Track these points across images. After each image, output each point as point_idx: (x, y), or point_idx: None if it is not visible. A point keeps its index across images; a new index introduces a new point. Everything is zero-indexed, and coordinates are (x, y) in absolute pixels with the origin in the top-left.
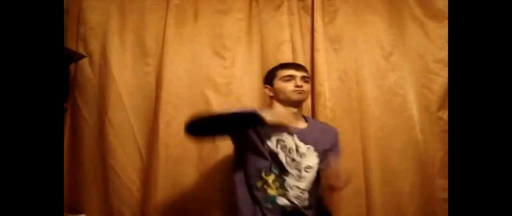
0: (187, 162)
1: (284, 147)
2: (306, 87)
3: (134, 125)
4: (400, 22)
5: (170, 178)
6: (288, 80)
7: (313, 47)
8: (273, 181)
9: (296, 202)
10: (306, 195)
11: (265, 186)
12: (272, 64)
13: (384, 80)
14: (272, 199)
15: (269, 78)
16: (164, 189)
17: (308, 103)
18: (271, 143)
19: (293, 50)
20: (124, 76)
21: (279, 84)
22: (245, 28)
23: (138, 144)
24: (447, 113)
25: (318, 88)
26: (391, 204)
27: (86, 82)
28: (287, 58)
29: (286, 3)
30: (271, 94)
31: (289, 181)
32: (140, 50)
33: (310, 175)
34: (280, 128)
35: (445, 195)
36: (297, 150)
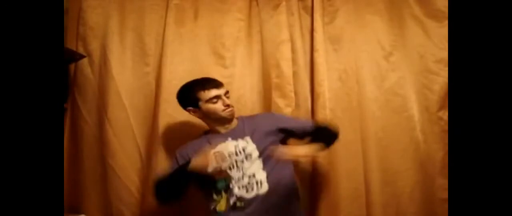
0: None
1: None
2: (230, 102)
3: (134, 125)
4: (401, 22)
5: None
6: (215, 102)
7: (313, 47)
8: (222, 196)
9: (245, 193)
10: (255, 180)
11: (216, 204)
12: (272, 63)
13: (384, 80)
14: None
15: (190, 101)
16: None
17: (307, 103)
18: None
19: (293, 50)
20: (124, 76)
21: (207, 106)
22: (245, 28)
23: (138, 144)
24: (447, 113)
25: (317, 88)
26: (392, 204)
27: (86, 82)
28: (287, 57)
29: (286, 3)
30: (199, 116)
31: (234, 183)
32: (140, 50)
33: (253, 161)
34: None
35: (446, 195)
36: (237, 152)
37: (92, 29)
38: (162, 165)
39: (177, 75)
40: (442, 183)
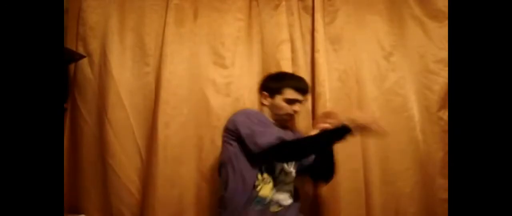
0: (186, 162)
1: None
2: (299, 110)
3: (133, 125)
4: (401, 22)
5: (169, 178)
6: (291, 103)
7: (313, 47)
8: (268, 181)
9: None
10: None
11: (260, 186)
12: (272, 64)
13: (385, 80)
14: (263, 201)
15: (271, 89)
16: (163, 189)
17: (308, 103)
18: None
19: (293, 50)
20: (124, 76)
21: (279, 102)
22: (244, 28)
23: (137, 144)
24: (447, 113)
25: (318, 88)
26: (391, 204)
27: (86, 82)
28: (287, 57)
29: (286, 3)
30: (266, 103)
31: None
32: (140, 50)
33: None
34: None
35: (446, 195)
36: None
37: (92, 29)
38: (162, 165)
39: (177, 75)
40: (442, 183)
